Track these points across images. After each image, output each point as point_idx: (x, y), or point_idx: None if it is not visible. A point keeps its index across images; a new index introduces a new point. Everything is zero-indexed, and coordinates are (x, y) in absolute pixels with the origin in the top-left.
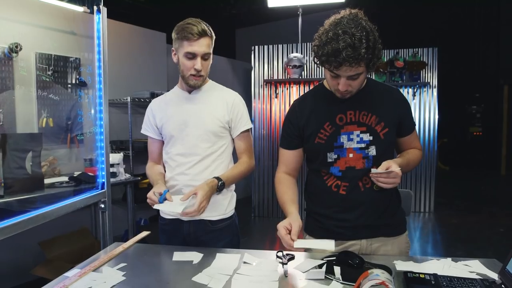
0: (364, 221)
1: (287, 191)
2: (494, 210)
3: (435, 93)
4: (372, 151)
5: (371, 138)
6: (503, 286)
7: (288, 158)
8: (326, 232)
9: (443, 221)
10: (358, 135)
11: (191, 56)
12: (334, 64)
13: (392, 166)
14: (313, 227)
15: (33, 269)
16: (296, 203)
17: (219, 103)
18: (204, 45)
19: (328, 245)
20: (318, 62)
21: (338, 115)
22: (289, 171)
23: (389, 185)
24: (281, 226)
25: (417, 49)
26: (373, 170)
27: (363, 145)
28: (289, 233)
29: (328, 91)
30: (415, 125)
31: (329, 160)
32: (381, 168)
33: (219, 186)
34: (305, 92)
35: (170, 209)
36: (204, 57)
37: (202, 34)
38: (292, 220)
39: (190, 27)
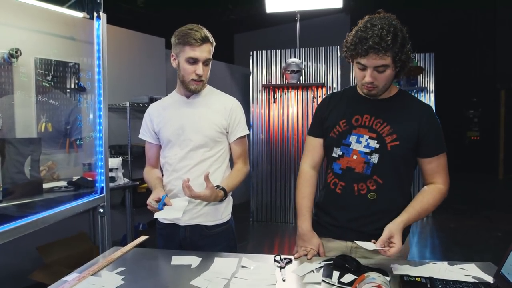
0: (352, 225)
1: (306, 196)
2: (492, 214)
3: (432, 98)
4: (375, 159)
5: (377, 146)
6: None
7: (315, 146)
8: (318, 226)
9: (441, 225)
10: (366, 140)
11: (193, 61)
12: (361, 52)
13: (394, 237)
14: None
15: (31, 274)
16: (310, 212)
17: (217, 108)
18: (205, 51)
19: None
20: (348, 54)
21: (355, 116)
22: (314, 163)
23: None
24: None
25: (414, 55)
26: (365, 244)
27: (367, 150)
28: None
29: (356, 93)
30: (442, 151)
31: (334, 155)
32: (382, 240)
33: (222, 199)
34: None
35: (170, 215)
36: (205, 62)
37: (205, 40)
38: (309, 244)
39: (193, 33)
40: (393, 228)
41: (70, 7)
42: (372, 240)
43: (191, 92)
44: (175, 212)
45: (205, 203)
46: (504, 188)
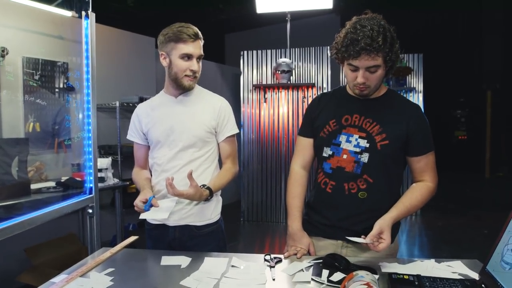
0: (343, 224)
1: (297, 195)
2: (479, 212)
3: (420, 98)
4: (365, 158)
5: (367, 145)
6: (483, 285)
7: (305, 146)
8: (309, 225)
9: (429, 223)
10: (356, 139)
11: (187, 57)
12: (353, 54)
13: (384, 234)
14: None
15: (18, 276)
16: (301, 212)
17: (206, 108)
18: (198, 47)
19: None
20: (338, 56)
21: (344, 116)
22: (305, 163)
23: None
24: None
25: (402, 55)
26: (356, 239)
27: (357, 150)
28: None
29: (346, 93)
30: (430, 150)
31: (324, 155)
32: (372, 235)
33: (208, 198)
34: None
35: (156, 216)
36: (198, 58)
37: (197, 36)
38: (299, 243)
39: (185, 29)
40: (383, 224)
41: (58, 5)
42: (362, 236)
43: (184, 89)
44: (162, 213)
45: (194, 203)
46: (490, 187)
